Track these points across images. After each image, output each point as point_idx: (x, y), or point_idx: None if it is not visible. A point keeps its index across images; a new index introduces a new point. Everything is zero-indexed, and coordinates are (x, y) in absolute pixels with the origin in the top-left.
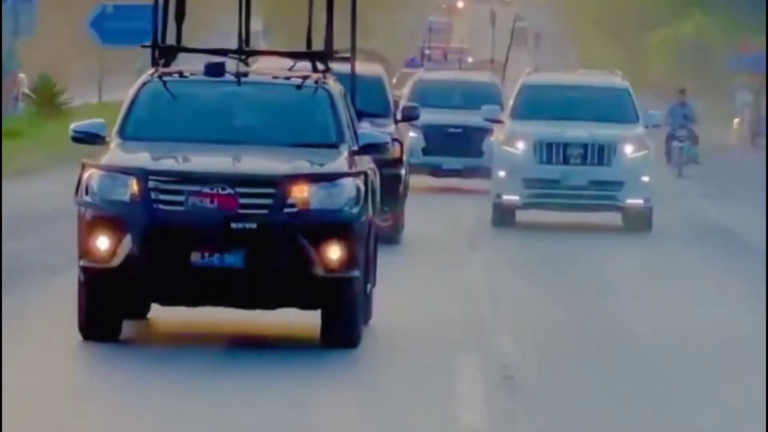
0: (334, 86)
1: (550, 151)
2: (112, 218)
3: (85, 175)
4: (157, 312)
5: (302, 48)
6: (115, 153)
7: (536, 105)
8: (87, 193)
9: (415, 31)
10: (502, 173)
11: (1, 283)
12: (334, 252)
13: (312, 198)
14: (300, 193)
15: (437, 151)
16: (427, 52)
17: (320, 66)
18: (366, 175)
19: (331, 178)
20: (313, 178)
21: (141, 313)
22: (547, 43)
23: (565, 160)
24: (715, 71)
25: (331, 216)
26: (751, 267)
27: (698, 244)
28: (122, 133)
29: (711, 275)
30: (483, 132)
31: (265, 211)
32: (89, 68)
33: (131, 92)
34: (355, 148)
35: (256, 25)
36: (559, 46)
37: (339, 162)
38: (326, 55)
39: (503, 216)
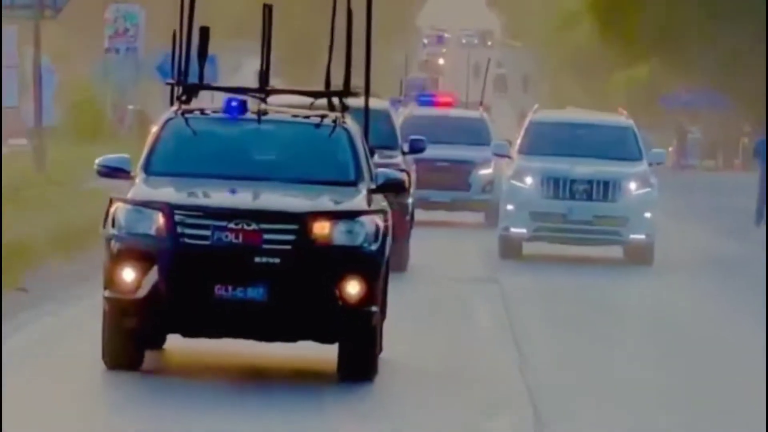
0: (353, 125)
1: (557, 186)
2: (138, 251)
3: (112, 209)
4: (174, 342)
5: (314, 86)
6: (140, 188)
7: (544, 141)
8: (114, 226)
9: (401, 68)
10: (510, 207)
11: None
12: (354, 287)
13: (333, 234)
14: (321, 229)
15: (425, 185)
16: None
17: (336, 103)
18: (385, 212)
19: (352, 215)
20: (335, 216)
21: (158, 343)
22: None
23: (572, 196)
24: (664, 109)
25: (351, 252)
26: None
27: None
28: (147, 168)
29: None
30: (470, 165)
31: (287, 247)
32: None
33: (155, 128)
34: (373, 186)
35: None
36: (536, 87)
37: (359, 200)
38: (345, 94)
39: (510, 248)
